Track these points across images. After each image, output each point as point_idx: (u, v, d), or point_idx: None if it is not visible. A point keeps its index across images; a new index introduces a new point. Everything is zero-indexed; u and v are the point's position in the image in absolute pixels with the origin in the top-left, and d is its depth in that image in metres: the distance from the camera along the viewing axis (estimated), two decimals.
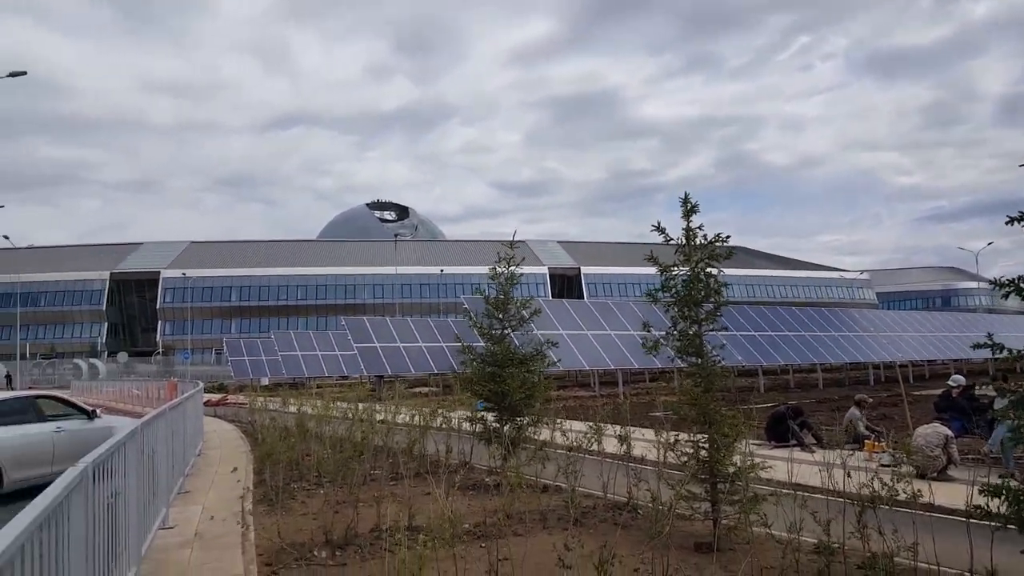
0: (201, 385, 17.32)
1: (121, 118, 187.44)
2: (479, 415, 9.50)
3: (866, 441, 11.15)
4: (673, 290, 6.14)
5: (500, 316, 9.52)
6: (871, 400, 13.31)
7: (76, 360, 71.80)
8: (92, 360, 71.64)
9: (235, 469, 11.02)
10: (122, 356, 68.71)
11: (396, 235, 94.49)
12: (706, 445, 5.92)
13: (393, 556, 4.46)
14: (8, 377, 52.02)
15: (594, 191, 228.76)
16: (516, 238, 9.91)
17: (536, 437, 8.91)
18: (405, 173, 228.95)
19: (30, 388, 49.74)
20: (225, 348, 49.90)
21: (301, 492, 8.62)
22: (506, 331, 9.52)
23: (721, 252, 6.07)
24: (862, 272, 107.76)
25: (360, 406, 12.10)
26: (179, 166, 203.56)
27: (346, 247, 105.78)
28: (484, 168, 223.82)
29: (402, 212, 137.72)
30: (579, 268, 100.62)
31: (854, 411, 11.99)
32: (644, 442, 8.52)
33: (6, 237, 58.96)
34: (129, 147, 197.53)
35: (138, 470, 5.30)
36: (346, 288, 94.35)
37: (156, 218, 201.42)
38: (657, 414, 10.42)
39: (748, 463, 5.84)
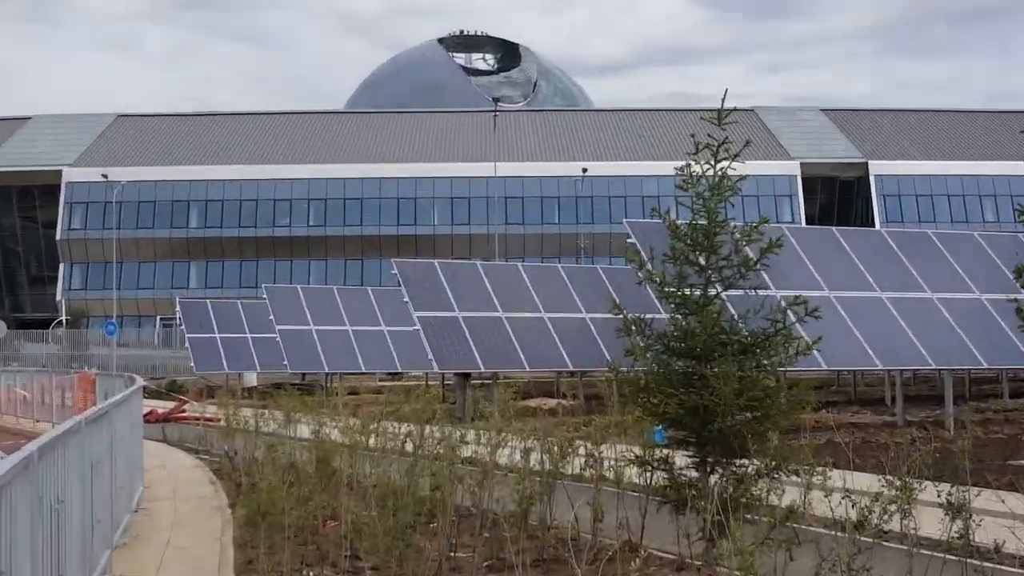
0: (139, 382, 18.23)
1: None
2: (658, 453, 9.56)
3: None
4: None
5: (702, 260, 9.49)
6: None
7: None
8: None
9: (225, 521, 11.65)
10: None
11: (496, 99, 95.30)
12: None
13: None
14: None
15: (903, 8, 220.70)
16: (734, 104, 9.77)
17: (774, 498, 8.89)
18: None
19: None
20: (179, 316, 52.15)
21: None
22: (714, 289, 9.48)
23: None
24: None
25: (430, 431, 12.45)
26: None
27: (400, 124, 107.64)
28: None
29: (508, 55, 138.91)
30: (866, 163, 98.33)
31: None
32: (1000, 518, 8.34)
33: None
34: None
35: (32, 534, 5.66)
36: (399, 203, 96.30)
37: (55, 70, 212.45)
38: None
39: None
